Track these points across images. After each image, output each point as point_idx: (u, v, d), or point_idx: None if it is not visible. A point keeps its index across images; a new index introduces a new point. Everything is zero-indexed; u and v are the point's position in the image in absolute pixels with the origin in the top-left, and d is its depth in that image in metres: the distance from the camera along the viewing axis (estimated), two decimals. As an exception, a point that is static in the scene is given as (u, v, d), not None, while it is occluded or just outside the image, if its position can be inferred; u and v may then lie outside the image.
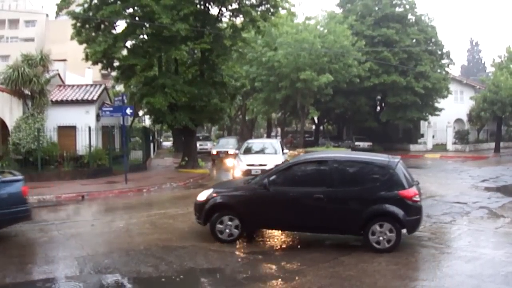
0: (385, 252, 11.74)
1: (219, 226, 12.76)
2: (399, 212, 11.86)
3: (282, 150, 26.85)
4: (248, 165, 23.36)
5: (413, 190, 12.21)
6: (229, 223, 12.73)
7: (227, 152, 38.32)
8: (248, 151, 27.02)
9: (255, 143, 30.19)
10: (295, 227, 13.02)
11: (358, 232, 12.15)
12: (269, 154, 25.91)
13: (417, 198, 12.17)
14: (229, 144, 41.73)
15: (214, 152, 40.57)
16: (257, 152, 26.43)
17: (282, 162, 21.76)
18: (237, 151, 31.91)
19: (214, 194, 13.24)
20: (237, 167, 23.88)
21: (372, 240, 11.92)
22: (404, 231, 12.12)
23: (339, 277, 10.03)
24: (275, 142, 29.46)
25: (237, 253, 12.01)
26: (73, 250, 12.23)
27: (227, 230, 12.72)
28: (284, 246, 12.77)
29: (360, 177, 12.69)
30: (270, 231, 13.98)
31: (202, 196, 13.40)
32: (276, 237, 13.54)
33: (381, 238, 11.88)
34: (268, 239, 13.31)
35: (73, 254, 11.88)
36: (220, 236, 12.72)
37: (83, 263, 11.11)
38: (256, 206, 12.70)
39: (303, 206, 12.32)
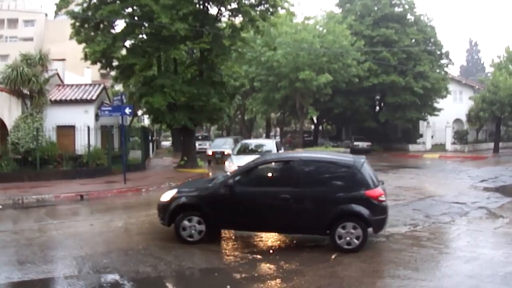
0: (351, 252, 11.75)
1: (183, 226, 12.59)
2: (365, 211, 11.90)
3: (278, 150, 26.37)
4: (239, 166, 23.04)
5: (379, 190, 12.28)
6: (194, 224, 12.57)
7: (223, 152, 38.17)
8: (241, 151, 26.87)
9: (250, 143, 30.07)
10: (261, 228, 12.99)
11: (325, 232, 12.14)
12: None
13: (382, 198, 12.24)
14: (225, 144, 41.47)
15: (209, 152, 40.06)
16: (250, 153, 25.75)
17: None
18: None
19: (178, 195, 13.07)
20: (227, 168, 23.63)
21: (338, 240, 11.91)
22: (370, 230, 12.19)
23: (338, 277, 10.04)
24: (271, 143, 29.09)
25: (236, 253, 11.99)
26: (71, 250, 12.22)
27: (192, 231, 12.55)
28: (283, 246, 12.75)
29: (326, 177, 12.75)
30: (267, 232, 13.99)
31: (166, 196, 13.21)
32: (275, 237, 13.52)
33: (347, 238, 11.87)
34: (267, 239, 13.29)
35: (72, 253, 11.86)
36: (185, 237, 12.56)
37: (82, 262, 11.09)
38: (222, 207, 12.57)
39: (269, 206, 12.29)
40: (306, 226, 12.28)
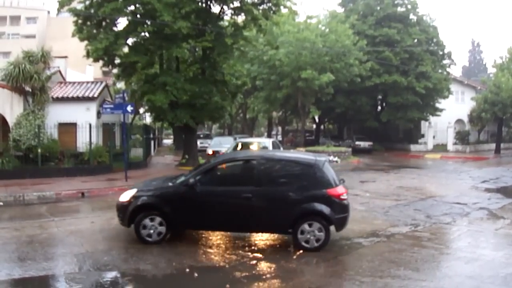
0: (314, 251, 11.77)
1: (143, 226, 12.40)
2: (327, 210, 11.97)
3: (273, 150, 25.32)
4: None
5: (340, 189, 12.34)
6: (154, 224, 12.39)
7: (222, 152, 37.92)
8: (236, 151, 26.27)
9: (246, 142, 29.68)
10: (223, 227, 12.93)
11: (287, 230, 12.16)
12: None
13: (344, 197, 12.30)
14: (226, 143, 41.06)
15: (209, 151, 39.35)
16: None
17: None
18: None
19: (138, 194, 12.85)
20: None
21: (301, 239, 11.93)
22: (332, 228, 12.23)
23: (338, 277, 10.07)
24: (267, 142, 28.57)
25: (236, 251, 11.97)
26: (72, 247, 12.23)
27: (152, 231, 12.36)
28: (283, 245, 12.69)
29: (288, 176, 12.75)
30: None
31: (125, 196, 12.96)
32: (275, 235, 13.51)
33: (310, 237, 11.89)
34: (267, 238, 13.29)
35: (73, 251, 11.87)
36: (146, 238, 12.38)
37: (83, 260, 11.10)
38: (182, 206, 12.45)
39: (231, 205, 12.21)
40: (269, 225, 12.32)
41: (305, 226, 11.92)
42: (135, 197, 12.72)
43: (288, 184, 12.45)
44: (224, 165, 13.30)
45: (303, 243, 11.90)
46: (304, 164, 12.81)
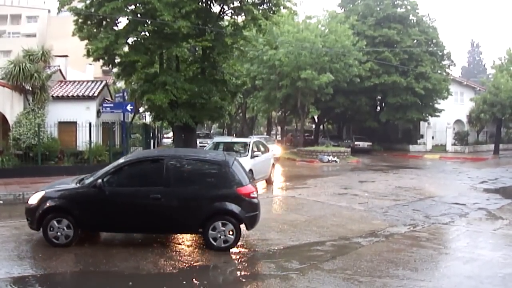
0: (225, 250, 11.85)
1: (51, 228, 12.02)
2: (237, 209, 12.01)
3: (254, 152, 24.41)
4: None
5: (250, 187, 12.38)
6: (63, 226, 12.01)
7: None
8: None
9: (223, 142, 29.00)
10: (134, 229, 12.82)
11: (198, 230, 12.14)
12: None
13: (254, 195, 12.38)
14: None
15: None
16: None
17: (249, 170, 20.91)
18: None
19: (46, 197, 12.35)
20: None
21: (211, 238, 11.94)
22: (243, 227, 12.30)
23: (337, 277, 10.08)
24: (247, 142, 26.27)
25: (236, 251, 12.03)
26: (74, 245, 12.29)
27: (60, 234, 11.98)
28: (283, 244, 12.75)
29: (197, 175, 12.69)
30: (264, 231, 14.02)
31: (33, 199, 12.49)
32: (274, 235, 13.57)
33: (220, 236, 11.92)
34: (266, 238, 13.33)
35: (73, 250, 11.93)
36: (54, 241, 11.99)
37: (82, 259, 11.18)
38: (91, 208, 12.11)
39: (140, 206, 11.99)
40: (179, 225, 12.28)
41: (215, 226, 11.92)
42: (42, 200, 12.30)
43: (197, 183, 12.37)
44: (132, 165, 12.82)
45: (214, 243, 11.92)
46: (213, 163, 12.85)
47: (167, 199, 11.91)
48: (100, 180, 12.06)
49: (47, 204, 12.17)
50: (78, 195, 12.34)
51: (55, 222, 12.01)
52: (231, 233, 11.93)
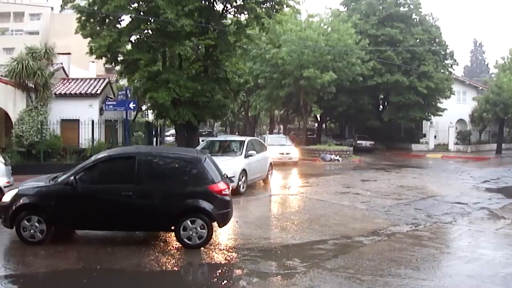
0: (197, 248, 11.85)
1: (24, 227, 11.98)
2: (209, 206, 12.03)
3: (247, 151, 23.26)
4: None
5: (222, 184, 12.42)
6: (36, 224, 11.96)
7: None
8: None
9: (217, 141, 28.55)
10: (106, 226, 12.76)
11: (170, 228, 12.15)
12: (226, 157, 22.74)
13: (226, 192, 12.42)
14: None
15: None
16: (214, 153, 22.15)
17: (243, 169, 21.26)
18: None
19: (20, 194, 12.36)
20: None
21: (183, 235, 11.94)
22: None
23: (339, 275, 10.09)
24: (242, 141, 24.86)
25: (237, 249, 12.07)
26: (76, 243, 12.32)
27: (33, 231, 11.95)
28: (285, 243, 12.75)
29: (169, 173, 12.76)
30: (266, 230, 14.05)
31: (7, 197, 12.53)
32: (276, 234, 13.59)
33: (192, 233, 11.92)
34: (268, 236, 13.35)
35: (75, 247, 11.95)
36: (27, 238, 11.99)
37: (85, 256, 11.19)
38: (64, 206, 12.10)
39: (112, 204, 12.04)
40: (151, 223, 12.24)
41: (187, 223, 11.93)
42: (16, 198, 12.29)
43: (169, 181, 12.45)
44: (104, 162, 12.78)
45: (186, 240, 11.92)
46: (184, 161, 12.87)
47: (138, 197, 11.94)
48: (72, 178, 12.07)
49: (21, 202, 12.16)
50: (51, 193, 12.33)
51: (27, 220, 11.98)
52: (203, 230, 11.93)
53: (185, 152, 14.14)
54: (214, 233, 12.52)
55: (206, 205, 12.02)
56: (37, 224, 11.97)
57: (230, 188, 13.13)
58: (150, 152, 13.57)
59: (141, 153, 13.03)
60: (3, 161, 18.73)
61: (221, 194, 12.27)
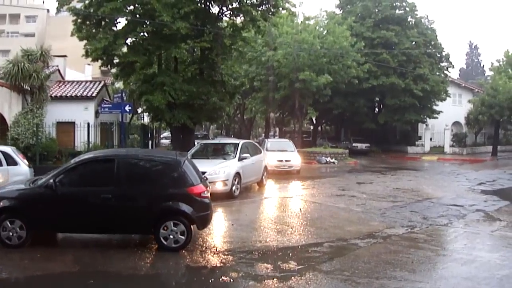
0: (175, 250, 11.83)
1: (4, 230, 11.89)
2: (189, 209, 12.00)
3: (241, 154, 22.78)
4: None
5: (201, 187, 12.39)
6: (14, 227, 11.89)
7: None
8: (196, 155, 23.32)
9: (212, 144, 28.38)
10: (86, 229, 12.58)
11: (150, 230, 12.11)
12: (220, 159, 22.51)
13: (205, 194, 12.40)
14: None
15: None
16: (205, 157, 23.46)
17: (237, 172, 21.05)
18: None
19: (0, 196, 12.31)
20: None
21: (162, 238, 11.91)
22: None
23: (335, 278, 10.08)
24: (236, 144, 24.22)
25: (233, 252, 12.03)
26: (70, 246, 12.30)
27: (12, 234, 11.87)
28: (280, 246, 12.73)
29: (148, 175, 12.66)
30: (262, 232, 14.04)
31: None
32: (272, 237, 13.58)
33: (171, 236, 11.89)
34: (264, 239, 13.34)
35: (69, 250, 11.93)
36: (7, 241, 11.90)
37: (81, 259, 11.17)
38: (43, 209, 11.98)
39: (92, 207, 11.91)
40: (131, 225, 12.19)
41: (166, 226, 11.89)
42: None
43: (148, 183, 12.35)
44: (84, 165, 12.70)
45: (165, 243, 11.90)
46: (163, 163, 12.88)
47: (117, 199, 11.88)
48: (52, 181, 12.01)
49: (0, 205, 12.09)
50: (31, 196, 12.30)
51: (7, 224, 11.91)
52: (182, 233, 11.91)
53: (165, 154, 14.26)
54: (210, 236, 12.53)
55: (186, 207, 12.00)
56: (16, 227, 11.92)
57: (210, 191, 13.14)
58: (130, 155, 13.55)
59: (120, 155, 13.04)
60: (27, 163, 19.11)
61: (200, 196, 12.25)
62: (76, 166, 12.56)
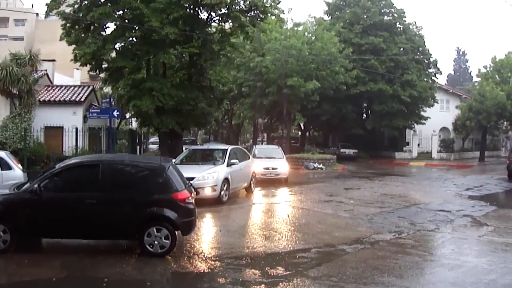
0: (160, 256, 11.81)
1: None
2: (173, 214, 12.00)
3: (229, 159, 22.55)
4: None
5: (185, 193, 12.41)
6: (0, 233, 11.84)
7: None
8: (185, 160, 23.74)
9: (200, 150, 28.21)
10: (71, 235, 12.50)
11: (134, 236, 12.07)
12: (209, 165, 22.00)
13: (190, 200, 12.42)
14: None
15: None
16: (191, 163, 23.27)
17: (225, 178, 20.90)
18: None
19: None
20: None
21: (147, 244, 11.89)
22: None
23: (322, 283, 10.10)
24: (225, 150, 23.92)
25: (221, 258, 12.00)
26: (58, 252, 12.28)
27: None
28: (268, 251, 12.74)
29: (133, 181, 12.59)
30: (249, 238, 14.06)
31: None
32: (259, 242, 13.60)
33: (155, 242, 11.88)
34: (252, 245, 13.35)
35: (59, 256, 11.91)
36: None
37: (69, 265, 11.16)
38: (28, 214, 11.93)
39: (76, 212, 11.88)
40: (115, 231, 12.16)
41: (151, 231, 11.87)
42: None
43: (133, 189, 12.29)
44: (69, 170, 12.62)
45: (149, 248, 11.87)
46: (148, 169, 12.83)
47: (102, 205, 11.84)
48: (36, 186, 11.95)
49: None
50: (15, 201, 12.26)
51: None
52: (166, 239, 11.88)
53: (149, 160, 14.30)
54: (198, 242, 12.51)
55: (170, 213, 11.98)
56: (1, 233, 11.85)
57: (194, 196, 13.16)
58: (114, 160, 13.52)
59: (104, 161, 13.02)
60: (21, 168, 19.22)
61: (185, 202, 12.24)
62: (61, 171, 12.51)
